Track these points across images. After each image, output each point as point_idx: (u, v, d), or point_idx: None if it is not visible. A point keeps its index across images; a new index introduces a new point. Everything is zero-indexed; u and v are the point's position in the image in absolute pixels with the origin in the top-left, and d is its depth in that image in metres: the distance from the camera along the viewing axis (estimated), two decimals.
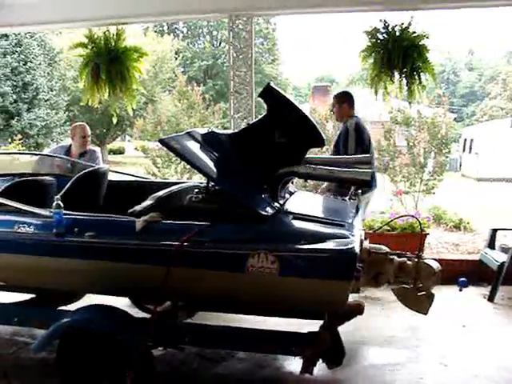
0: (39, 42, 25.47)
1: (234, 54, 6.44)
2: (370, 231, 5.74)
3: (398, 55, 5.57)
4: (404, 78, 5.74)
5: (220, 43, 41.35)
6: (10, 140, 24.47)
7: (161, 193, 3.82)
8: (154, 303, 3.30)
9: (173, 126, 9.92)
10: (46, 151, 8.55)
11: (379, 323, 4.75)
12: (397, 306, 3.98)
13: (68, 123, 28.62)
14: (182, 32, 43.01)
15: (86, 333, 3.28)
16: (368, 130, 5.81)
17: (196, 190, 3.65)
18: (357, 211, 3.89)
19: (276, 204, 3.48)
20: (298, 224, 3.31)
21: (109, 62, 6.33)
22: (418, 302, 3.63)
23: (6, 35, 23.44)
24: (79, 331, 3.31)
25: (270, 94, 3.67)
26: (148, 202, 3.63)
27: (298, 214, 3.44)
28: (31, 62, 24.56)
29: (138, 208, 3.53)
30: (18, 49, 24.09)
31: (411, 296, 3.64)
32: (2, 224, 3.61)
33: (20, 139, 20.10)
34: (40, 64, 25.05)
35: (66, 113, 27.35)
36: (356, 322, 3.73)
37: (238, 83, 6.45)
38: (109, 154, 31.87)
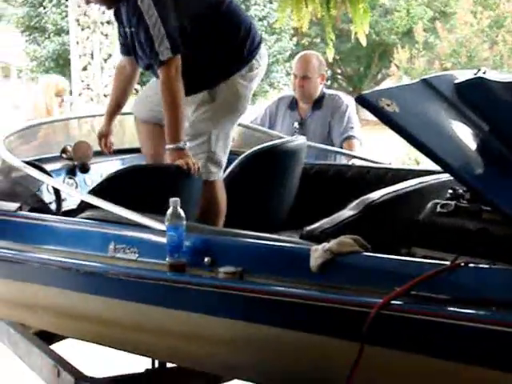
0: None
1: None
2: None
3: None
4: None
5: None
6: None
7: (378, 193, 2.04)
8: None
9: (460, 61, 6.88)
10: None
11: None
12: None
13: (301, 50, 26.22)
14: None
15: None
16: None
17: (450, 191, 1.89)
18: None
19: None
20: None
21: None
22: None
23: None
24: None
25: None
26: (345, 214, 1.92)
27: None
28: None
29: (321, 225, 1.85)
30: None
31: None
32: (94, 239, 2.14)
33: None
34: None
35: (293, 39, 18.18)
36: None
37: None
38: None
